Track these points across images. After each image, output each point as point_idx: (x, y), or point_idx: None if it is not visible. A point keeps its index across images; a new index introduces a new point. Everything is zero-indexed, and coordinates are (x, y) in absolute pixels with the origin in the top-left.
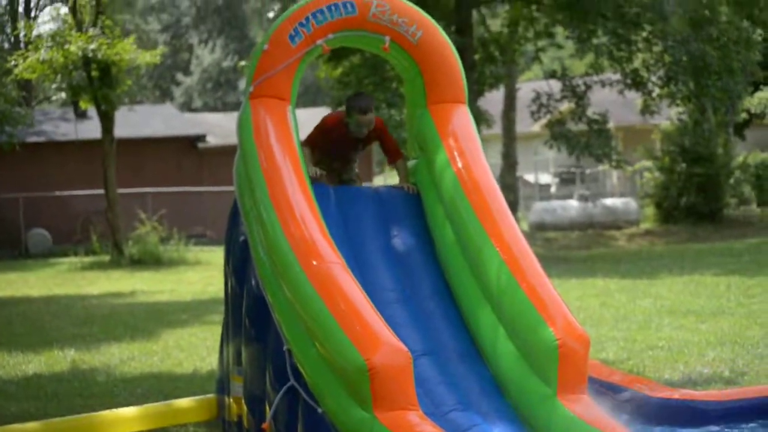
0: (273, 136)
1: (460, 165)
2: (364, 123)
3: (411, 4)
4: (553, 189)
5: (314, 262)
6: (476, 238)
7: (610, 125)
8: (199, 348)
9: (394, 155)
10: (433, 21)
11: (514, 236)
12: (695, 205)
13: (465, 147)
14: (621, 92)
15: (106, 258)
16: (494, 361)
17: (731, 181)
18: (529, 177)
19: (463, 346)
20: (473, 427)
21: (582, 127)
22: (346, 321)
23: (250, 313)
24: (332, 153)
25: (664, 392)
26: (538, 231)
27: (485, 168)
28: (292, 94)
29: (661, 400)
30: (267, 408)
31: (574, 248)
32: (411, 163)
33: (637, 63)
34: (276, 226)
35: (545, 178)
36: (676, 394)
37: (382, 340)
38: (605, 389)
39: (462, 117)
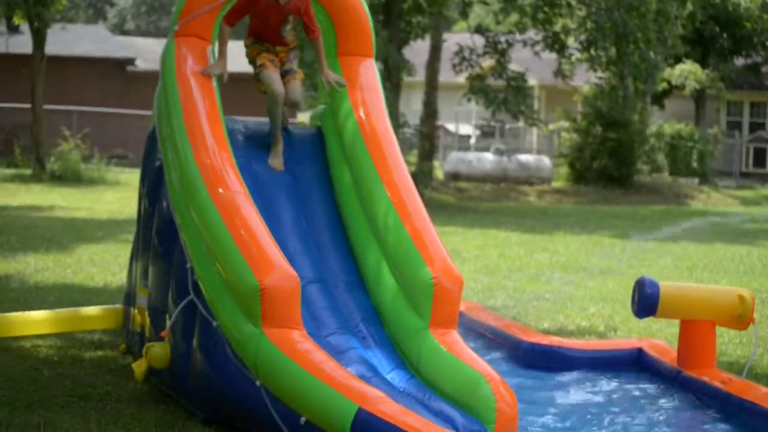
0: (192, 73)
1: (362, 114)
2: None
3: None
4: (473, 140)
5: (220, 190)
6: (369, 181)
7: (533, 83)
8: (111, 264)
9: (314, 31)
10: None
11: (404, 181)
12: (607, 168)
13: (368, 98)
14: (536, 53)
15: (28, 172)
16: (376, 293)
17: (646, 147)
18: (452, 126)
19: (349, 277)
20: (350, 350)
21: (502, 83)
22: (244, 245)
23: (159, 232)
24: (262, 29)
25: (535, 338)
26: (451, 180)
27: (384, 118)
28: (213, 35)
29: (531, 345)
30: (167, 320)
31: (485, 200)
32: (319, 108)
33: (557, 26)
34: (189, 154)
35: (466, 129)
36: (545, 341)
37: (274, 264)
38: (483, 330)
39: (368, 69)
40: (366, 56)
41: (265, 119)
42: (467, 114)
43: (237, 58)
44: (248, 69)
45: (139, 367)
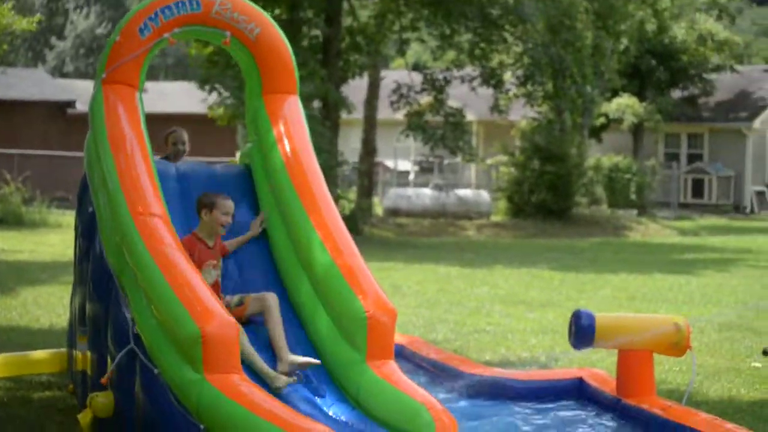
0: (122, 120)
1: (287, 149)
2: (229, 210)
3: (251, 4)
4: (411, 176)
5: (155, 240)
6: (297, 217)
7: (470, 119)
8: (56, 305)
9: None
10: (270, 19)
11: (332, 216)
12: (545, 201)
13: (293, 133)
14: (473, 89)
15: None
16: (312, 329)
17: (584, 180)
18: (390, 163)
19: (284, 315)
20: (290, 387)
21: (440, 119)
22: (184, 294)
23: (94, 277)
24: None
25: (476, 369)
26: (391, 216)
27: (310, 153)
28: (140, 81)
29: (473, 376)
30: (109, 363)
31: (424, 235)
32: (247, 146)
33: (494, 62)
34: (122, 204)
35: (405, 165)
36: (487, 372)
37: (214, 312)
38: (424, 363)
39: (292, 106)
40: (290, 93)
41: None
42: (405, 150)
43: (177, 100)
44: (179, 109)
45: (84, 417)
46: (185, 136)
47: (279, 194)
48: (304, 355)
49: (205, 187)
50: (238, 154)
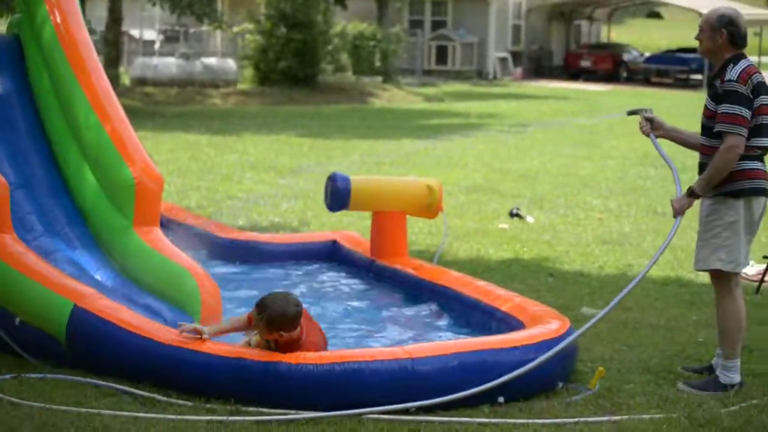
0: None
1: (58, 20)
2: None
3: None
4: (157, 46)
5: None
6: (68, 85)
7: None
8: None
9: None
10: None
11: (103, 85)
12: (291, 69)
13: (64, 5)
14: None
15: None
16: (79, 195)
17: (329, 48)
18: (135, 33)
19: (53, 181)
20: (57, 252)
21: None
22: None
23: None
24: None
25: (231, 234)
26: (138, 86)
27: (81, 24)
28: None
29: (228, 240)
30: None
31: (172, 104)
32: (16, 16)
33: None
34: None
35: (150, 35)
36: (242, 236)
37: None
38: (182, 230)
39: None
40: None
41: None
42: (151, 20)
43: None
44: None
45: None
46: None
47: (50, 64)
48: (69, 222)
49: None
50: None
